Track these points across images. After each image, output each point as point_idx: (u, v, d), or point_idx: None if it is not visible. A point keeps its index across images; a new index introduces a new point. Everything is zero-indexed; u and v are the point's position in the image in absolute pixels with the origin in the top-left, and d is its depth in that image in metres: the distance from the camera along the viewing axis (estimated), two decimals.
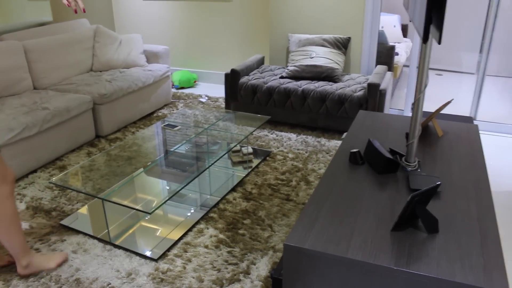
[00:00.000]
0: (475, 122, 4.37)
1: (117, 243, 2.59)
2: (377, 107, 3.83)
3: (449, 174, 2.17)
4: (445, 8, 1.51)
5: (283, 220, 2.78)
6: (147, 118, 4.68)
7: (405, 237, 1.69)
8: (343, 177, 2.14)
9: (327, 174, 2.16)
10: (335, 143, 3.93)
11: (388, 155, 2.13)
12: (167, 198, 2.50)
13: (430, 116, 2.69)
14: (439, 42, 1.52)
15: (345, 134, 2.85)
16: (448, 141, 2.54)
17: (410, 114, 4.58)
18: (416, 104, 2.11)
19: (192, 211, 2.92)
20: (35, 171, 3.53)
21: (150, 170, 2.96)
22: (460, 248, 1.63)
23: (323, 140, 4.01)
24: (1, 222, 2.08)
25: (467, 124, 2.80)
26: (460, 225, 1.77)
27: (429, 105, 5.09)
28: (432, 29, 1.62)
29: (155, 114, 4.79)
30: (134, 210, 2.84)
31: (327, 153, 3.73)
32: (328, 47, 4.44)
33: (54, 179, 2.72)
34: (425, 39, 1.67)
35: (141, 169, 2.95)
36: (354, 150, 2.28)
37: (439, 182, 1.75)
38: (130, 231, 2.71)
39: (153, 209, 2.36)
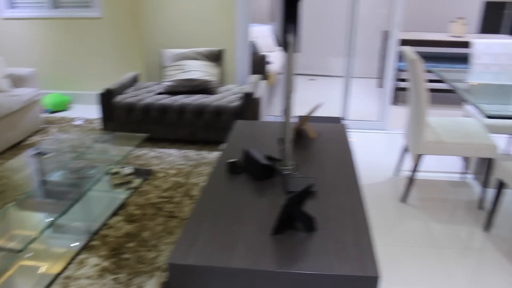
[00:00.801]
0: (346, 122, 4.68)
1: None
2: (253, 115, 3.94)
3: (323, 173, 2.28)
4: (298, 19, 1.59)
5: (168, 238, 2.72)
6: (17, 148, 4.33)
7: (285, 239, 1.74)
8: (223, 188, 2.15)
9: (207, 187, 2.16)
10: (217, 155, 3.96)
11: (264, 162, 2.19)
12: (40, 232, 2.32)
13: (302, 120, 2.82)
14: (297, 51, 1.60)
15: (223, 145, 2.88)
16: (320, 142, 2.68)
17: None
18: (286, 110, 2.20)
19: (68, 240, 2.75)
20: None
21: (24, 203, 2.73)
22: (336, 243, 1.71)
23: (204, 153, 4.02)
24: None
25: (336, 125, 2.98)
26: (335, 220, 1.87)
27: (306, 109, 5.34)
28: (292, 39, 1.70)
29: (25, 142, 4.45)
30: (6, 251, 2.59)
31: (209, 166, 3.74)
32: (202, 60, 4.48)
33: None
34: (285, 48, 1.74)
35: (13, 203, 2.71)
36: (232, 160, 2.30)
37: (312, 183, 1.83)
38: (7, 274, 2.47)
39: (24, 246, 2.17)
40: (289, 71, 2.12)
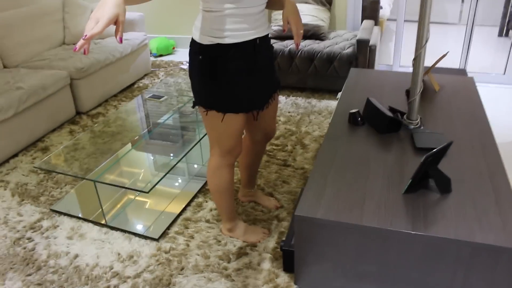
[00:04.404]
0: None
1: (112, 224, 2.49)
2: (368, 63, 3.73)
3: (452, 130, 2.11)
4: None
5: (283, 187, 2.70)
6: (128, 90, 4.51)
7: (418, 199, 1.63)
8: (344, 140, 2.06)
9: (327, 138, 2.08)
10: (326, 104, 3.84)
11: (390, 114, 2.05)
12: (165, 173, 2.39)
13: (427, 70, 2.61)
14: None
15: (339, 94, 2.76)
16: (445, 95, 2.48)
17: (399, 70, 4.49)
18: (418, 60, 2.02)
19: (183, 182, 2.82)
20: (16, 155, 3.35)
21: (139, 144, 2.84)
22: (475, 208, 1.58)
23: (314, 101, 3.91)
24: (217, 189, 2.12)
25: (462, 77, 2.73)
26: (471, 183, 1.72)
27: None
28: None
29: (136, 85, 4.62)
30: (125, 189, 2.72)
31: (319, 114, 3.64)
32: (312, 4, 4.28)
33: (38, 163, 2.58)
34: None
35: (129, 145, 2.82)
36: (354, 111, 2.19)
37: (451, 141, 1.68)
38: (124, 210, 2.61)
39: (151, 188, 2.26)
40: (425, 18, 1.93)
